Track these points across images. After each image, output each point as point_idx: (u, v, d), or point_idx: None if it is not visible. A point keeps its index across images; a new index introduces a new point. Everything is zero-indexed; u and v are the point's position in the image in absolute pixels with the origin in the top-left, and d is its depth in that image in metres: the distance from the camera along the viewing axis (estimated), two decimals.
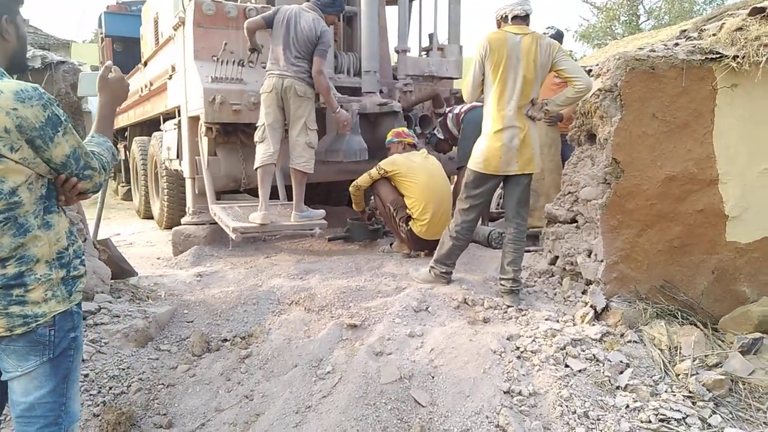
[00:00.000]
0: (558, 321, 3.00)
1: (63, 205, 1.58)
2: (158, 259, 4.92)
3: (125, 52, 9.58)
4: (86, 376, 2.54)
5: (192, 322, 3.20)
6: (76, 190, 1.55)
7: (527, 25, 3.24)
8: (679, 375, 2.61)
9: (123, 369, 2.65)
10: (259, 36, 4.37)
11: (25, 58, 1.60)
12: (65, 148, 1.45)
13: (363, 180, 4.40)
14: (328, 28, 4.20)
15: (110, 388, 2.53)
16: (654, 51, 3.08)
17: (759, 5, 3.04)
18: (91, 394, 2.47)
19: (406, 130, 4.60)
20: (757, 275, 3.13)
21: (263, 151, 4.19)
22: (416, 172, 4.19)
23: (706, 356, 2.72)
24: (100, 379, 2.56)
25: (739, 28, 3.04)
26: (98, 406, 2.43)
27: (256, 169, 4.24)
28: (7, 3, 1.50)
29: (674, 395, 2.46)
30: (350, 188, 4.53)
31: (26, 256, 1.44)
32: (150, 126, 7.68)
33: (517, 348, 2.73)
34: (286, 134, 4.36)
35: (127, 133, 9.10)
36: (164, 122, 6.18)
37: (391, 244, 4.63)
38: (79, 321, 1.62)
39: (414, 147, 4.52)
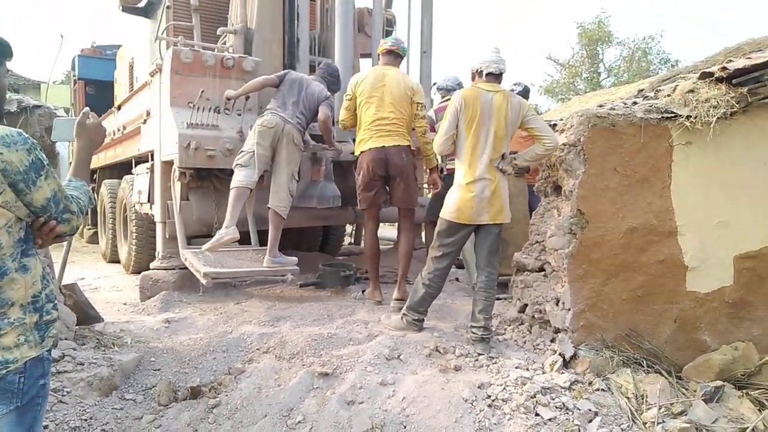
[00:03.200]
0: (528, 369, 3.03)
1: (38, 247, 1.57)
2: (125, 304, 4.79)
3: (98, 94, 9.58)
4: (46, 427, 2.43)
5: (159, 370, 3.12)
6: (54, 233, 1.55)
7: (499, 83, 3.41)
8: (646, 423, 2.66)
9: (85, 419, 2.56)
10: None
11: (2, 109, 1.61)
12: (47, 191, 1.46)
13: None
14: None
15: None
16: (614, 109, 3.26)
17: (707, 70, 3.27)
18: None
19: None
20: (716, 324, 3.25)
21: (246, 175, 4.26)
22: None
23: (671, 404, 2.79)
24: (60, 430, 2.46)
25: (691, 90, 3.26)
26: None
27: (233, 188, 4.27)
28: None
29: None
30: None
31: (1, 300, 1.42)
32: (119, 169, 7.61)
33: (489, 396, 2.74)
34: (261, 180, 4.41)
35: (95, 176, 8.99)
36: (136, 166, 6.15)
37: (363, 291, 4.63)
38: (49, 367, 1.59)
39: None
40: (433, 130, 4.91)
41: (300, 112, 4.45)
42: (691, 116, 3.12)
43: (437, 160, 4.80)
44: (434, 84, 5.35)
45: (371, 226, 4.37)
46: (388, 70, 4.14)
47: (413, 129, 4.24)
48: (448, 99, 4.55)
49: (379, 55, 4.33)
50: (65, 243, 4.22)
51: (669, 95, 3.39)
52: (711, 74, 3.22)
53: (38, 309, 1.52)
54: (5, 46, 1.56)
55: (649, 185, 3.19)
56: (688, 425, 2.59)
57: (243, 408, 2.70)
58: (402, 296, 3.99)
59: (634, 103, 3.46)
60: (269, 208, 4.34)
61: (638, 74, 22.16)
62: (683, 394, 2.91)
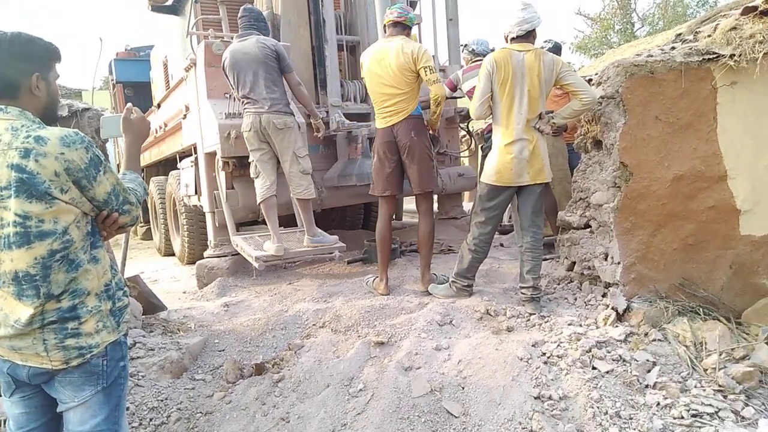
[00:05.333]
0: (581, 325, 3.04)
1: (103, 239, 1.68)
2: (184, 293, 5.02)
3: (136, 96, 9.85)
4: (127, 409, 2.60)
5: (223, 350, 3.28)
6: (117, 225, 1.65)
7: (531, 41, 3.34)
8: (707, 370, 2.64)
9: (161, 400, 2.73)
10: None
11: (56, 112, 1.67)
12: (107, 186, 1.56)
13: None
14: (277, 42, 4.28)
15: (151, 420, 2.60)
16: (651, 56, 3.17)
17: (751, 4, 3.13)
18: (133, 427, 2.54)
19: None
20: None
21: (260, 185, 4.31)
22: None
23: (732, 350, 2.75)
24: (140, 411, 2.64)
25: (733, 28, 3.13)
26: None
27: (259, 204, 4.35)
28: (41, 60, 1.58)
29: (704, 390, 2.49)
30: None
31: (78, 290, 1.53)
32: (165, 166, 7.87)
33: (543, 354, 2.78)
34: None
35: (143, 174, 9.30)
36: (180, 160, 6.35)
37: (372, 280, 4.12)
38: (127, 350, 1.71)
39: None
40: (454, 89, 4.67)
41: (265, 89, 4.13)
42: (734, 55, 3.01)
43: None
44: (464, 45, 5.01)
45: (383, 211, 3.97)
46: (390, 42, 3.74)
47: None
48: (477, 61, 4.39)
49: (385, 27, 3.87)
50: (123, 238, 4.44)
51: (709, 36, 3.26)
52: (755, 8, 3.08)
53: (111, 296, 1.63)
54: (53, 50, 1.62)
55: (693, 131, 3.10)
56: (752, 368, 2.56)
57: (306, 380, 2.82)
58: (427, 287, 3.76)
59: (672, 48, 3.35)
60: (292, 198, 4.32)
61: (675, 21, 21.10)
62: (744, 339, 2.87)
